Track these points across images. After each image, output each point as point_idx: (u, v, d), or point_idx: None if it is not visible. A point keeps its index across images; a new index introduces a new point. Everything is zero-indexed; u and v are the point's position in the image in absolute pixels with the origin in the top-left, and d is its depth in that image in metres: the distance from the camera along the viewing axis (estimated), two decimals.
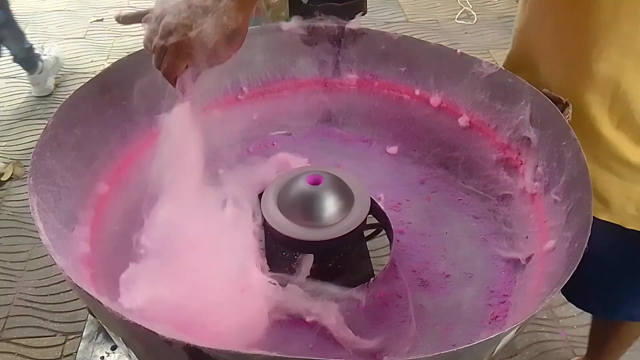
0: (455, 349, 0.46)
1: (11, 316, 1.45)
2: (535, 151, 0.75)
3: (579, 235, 0.58)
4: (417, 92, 0.91)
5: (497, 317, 0.69)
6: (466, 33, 2.65)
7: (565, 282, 0.51)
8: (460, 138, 0.87)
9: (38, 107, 2.19)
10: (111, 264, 0.70)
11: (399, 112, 0.93)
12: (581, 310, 1.44)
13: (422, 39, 0.91)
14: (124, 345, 0.60)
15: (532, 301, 0.62)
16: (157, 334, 0.46)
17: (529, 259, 0.71)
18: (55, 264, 0.54)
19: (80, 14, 2.80)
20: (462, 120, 0.87)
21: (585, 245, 0.55)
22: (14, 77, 2.35)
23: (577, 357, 1.34)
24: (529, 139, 0.76)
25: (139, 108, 0.81)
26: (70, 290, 1.49)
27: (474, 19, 2.76)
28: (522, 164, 0.78)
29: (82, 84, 0.76)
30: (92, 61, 2.45)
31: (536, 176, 0.75)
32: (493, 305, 0.70)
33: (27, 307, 1.48)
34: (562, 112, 0.72)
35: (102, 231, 0.71)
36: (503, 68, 0.81)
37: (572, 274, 0.52)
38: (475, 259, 0.77)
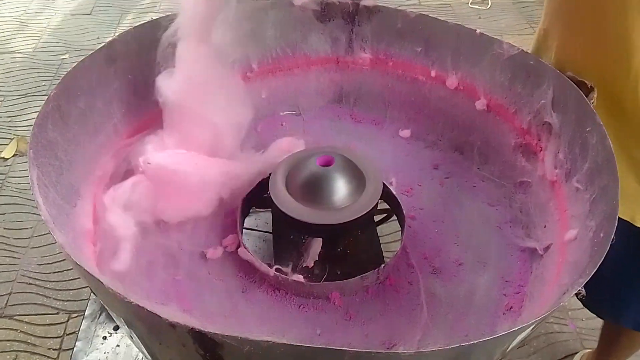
0: (474, 342, 0.43)
1: (14, 293, 1.45)
2: (557, 136, 0.72)
3: (604, 224, 0.56)
4: (433, 73, 0.87)
5: (511, 307, 0.66)
6: (480, 17, 2.60)
7: (591, 274, 0.48)
8: (477, 122, 0.84)
9: (43, 83, 2.16)
10: (115, 241, 0.68)
11: (413, 93, 0.90)
12: None
13: None
14: (126, 327, 0.58)
15: (551, 291, 0.60)
16: (160, 316, 0.44)
17: (546, 248, 0.68)
18: None
19: None
20: (480, 104, 0.83)
21: (612, 235, 0.52)
22: (18, 52, 2.32)
23: (586, 350, 1.32)
24: (550, 124, 0.73)
25: (145, 82, 0.79)
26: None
27: (488, 4, 2.70)
28: (542, 149, 0.75)
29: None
30: (98, 38, 2.41)
31: (557, 163, 0.71)
32: (508, 295, 0.68)
33: (31, 284, 1.47)
34: (586, 97, 0.69)
35: (105, 207, 0.69)
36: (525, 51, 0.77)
37: (598, 265, 0.49)
38: (490, 247, 0.74)
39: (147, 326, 0.52)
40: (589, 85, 0.71)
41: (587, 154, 0.66)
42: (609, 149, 0.62)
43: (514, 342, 0.52)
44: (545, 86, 0.74)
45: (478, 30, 0.82)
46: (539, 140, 0.75)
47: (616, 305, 0.95)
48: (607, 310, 0.99)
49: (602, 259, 0.49)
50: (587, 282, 0.49)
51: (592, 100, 0.70)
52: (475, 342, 0.43)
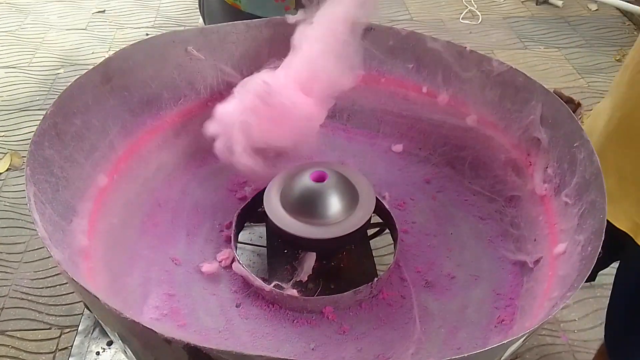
0: (465, 355, 0.44)
1: (6, 308, 1.44)
2: (546, 152, 0.74)
3: (592, 238, 0.57)
4: (424, 89, 0.89)
5: (503, 320, 0.67)
6: (471, 33, 2.64)
7: (579, 287, 0.49)
8: (467, 137, 0.86)
9: (37, 98, 2.16)
10: (109, 258, 0.68)
11: (405, 109, 0.91)
12: (582, 314, 1.44)
13: None
14: (120, 342, 0.59)
15: (541, 305, 0.61)
16: (155, 332, 0.44)
17: (537, 262, 0.69)
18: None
19: (82, 5, 2.78)
20: (470, 119, 0.85)
21: (600, 249, 0.53)
22: (13, 67, 2.33)
23: None
24: (539, 139, 0.75)
25: (141, 99, 0.80)
26: (67, 283, 1.48)
27: (479, 19, 2.74)
28: (531, 164, 0.76)
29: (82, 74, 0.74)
30: (93, 53, 2.42)
31: (546, 177, 0.73)
32: (499, 308, 0.69)
33: (23, 299, 1.46)
34: (574, 113, 0.71)
35: (100, 224, 0.70)
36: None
37: (585, 278, 0.50)
38: (481, 261, 0.75)
39: (142, 342, 0.52)
40: (576, 102, 0.73)
41: (576, 169, 0.67)
42: (597, 164, 0.63)
43: (506, 355, 0.52)
44: (534, 102, 0.76)
45: (468, 48, 0.84)
46: (529, 155, 0.77)
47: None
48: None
49: (590, 272, 0.50)
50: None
51: (580, 116, 0.72)
52: (466, 355, 0.44)
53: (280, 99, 0.73)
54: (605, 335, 1.00)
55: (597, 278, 0.93)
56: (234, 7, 1.08)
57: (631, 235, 0.83)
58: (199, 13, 1.25)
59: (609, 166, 0.75)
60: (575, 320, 1.43)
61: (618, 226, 0.82)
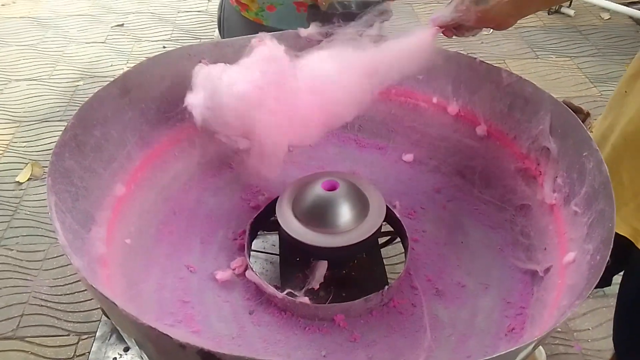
0: None
1: (26, 315, 1.47)
2: (555, 162, 0.74)
3: (600, 247, 0.57)
4: (434, 100, 0.90)
5: (513, 329, 0.67)
6: (482, 43, 2.64)
7: (586, 296, 0.50)
8: (477, 147, 0.86)
9: (57, 109, 2.22)
10: (127, 265, 0.70)
11: (415, 119, 0.92)
12: (596, 324, 1.42)
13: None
14: (137, 347, 0.60)
15: (551, 314, 0.61)
16: (171, 337, 0.46)
17: (547, 270, 0.69)
18: (71, 263, 0.54)
19: (101, 19, 2.84)
20: (480, 129, 0.86)
21: (608, 258, 0.54)
22: (34, 80, 2.39)
23: None
24: (548, 149, 0.75)
25: (158, 111, 0.82)
26: (85, 290, 1.50)
27: (490, 29, 2.74)
28: (541, 174, 0.77)
29: (101, 87, 0.76)
30: (111, 65, 2.48)
31: (555, 187, 0.73)
32: (509, 317, 0.69)
33: (42, 306, 1.49)
34: (583, 123, 0.71)
35: (118, 232, 0.72)
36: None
37: (593, 287, 0.50)
38: (492, 270, 0.76)
39: (157, 347, 0.54)
40: (585, 111, 0.73)
41: (585, 179, 0.68)
42: (605, 173, 0.64)
43: None
44: (542, 112, 0.76)
45: (478, 59, 0.85)
46: (538, 164, 0.77)
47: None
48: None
49: (598, 281, 0.51)
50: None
51: (589, 126, 0.72)
52: None
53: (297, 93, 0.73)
54: (614, 344, 0.99)
55: (610, 287, 0.92)
56: (255, 23, 1.10)
57: (632, 240, 0.83)
58: (214, 26, 1.27)
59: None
60: (588, 329, 1.41)
61: (618, 231, 0.82)
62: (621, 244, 0.66)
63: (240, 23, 1.13)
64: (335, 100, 0.75)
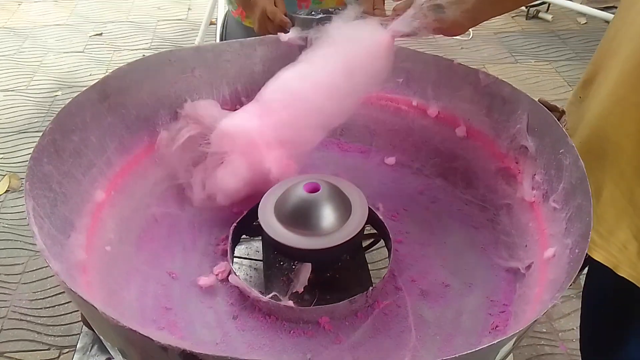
0: (457, 355, 0.45)
1: (5, 329, 1.43)
2: (533, 159, 0.75)
3: (579, 241, 0.58)
4: (414, 102, 0.91)
5: (497, 326, 0.68)
6: (462, 48, 2.68)
7: (567, 288, 0.50)
8: (458, 148, 0.87)
9: (35, 120, 2.19)
10: (107, 273, 0.69)
11: (397, 122, 0.93)
12: None
13: None
14: (119, 356, 0.59)
15: (534, 309, 0.62)
16: (152, 340, 0.45)
17: (528, 267, 0.70)
18: (51, 276, 0.53)
19: (79, 28, 2.82)
20: (460, 131, 0.87)
21: (586, 251, 0.54)
22: (11, 90, 2.35)
23: None
24: (526, 147, 0.77)
25: (137, 117, 0.82)
26: (65, 303, 1.47)
27: (470, 35, 2.78)
28: (520, 172, 0.78)
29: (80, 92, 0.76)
30: (90, 75, 2.46)
31: (534, 184, 0.74)
32: (493, 314, 0.70)
33: (22, 320, 1.46)
34: (558, 120, 0.73)
35: (98, 239, 0.71)
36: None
37: (573, 279, 0.51)
38: (475, 269, 0.76)
39: (139, 351, 0.53)
40: (560, 109, 0.75)
41: (562, 175, 0.69)
42: (582, 169, 0.65)
43: (498, 357, 0.53)
44: (520, 112, 0.78)
45: (456, 61, 0.87)
46: (517, 163, 0.79)
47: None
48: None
49: (577, 272, 0.52)
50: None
51: (564, 124, 0.73)
52: (457, 355, 0.45)
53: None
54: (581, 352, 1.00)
55: None
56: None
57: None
58: (194, 34, 1.27)
59: None
60: (573, 329, 1.43)
61: None
62: None
63: (244, 34, 1.14)
64: (308, 124, 0.78)
